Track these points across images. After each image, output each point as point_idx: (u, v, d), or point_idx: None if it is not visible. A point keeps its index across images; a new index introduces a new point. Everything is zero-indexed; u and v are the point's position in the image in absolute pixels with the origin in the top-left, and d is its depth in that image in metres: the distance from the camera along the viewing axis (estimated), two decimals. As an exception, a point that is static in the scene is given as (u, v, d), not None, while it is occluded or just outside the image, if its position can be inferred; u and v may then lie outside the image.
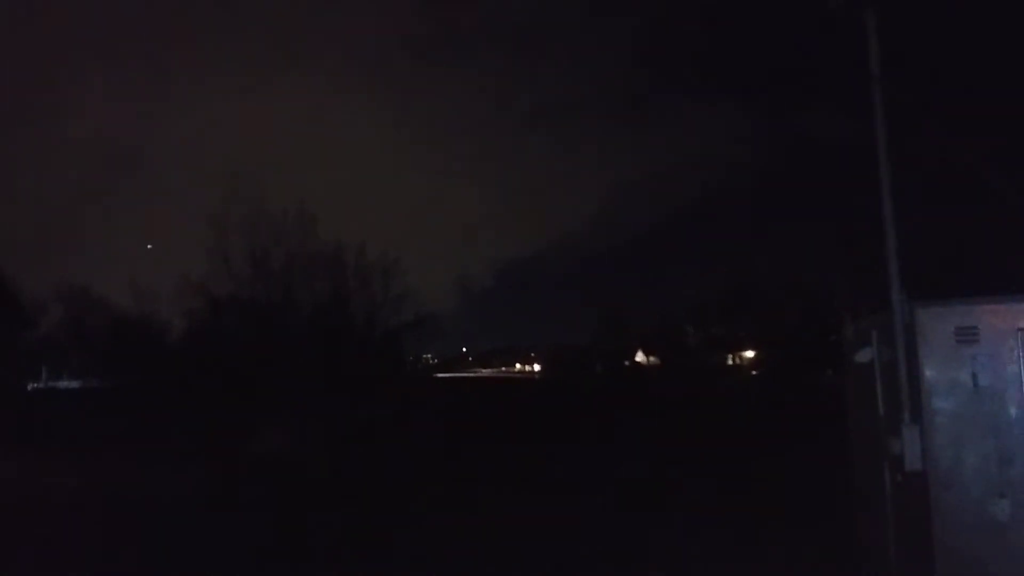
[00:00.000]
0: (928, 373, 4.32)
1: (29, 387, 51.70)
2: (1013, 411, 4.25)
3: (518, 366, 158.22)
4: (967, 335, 4.30)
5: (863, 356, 4.98)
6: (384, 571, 7.92)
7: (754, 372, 70.64)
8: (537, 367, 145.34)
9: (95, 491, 13.34)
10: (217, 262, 36.09)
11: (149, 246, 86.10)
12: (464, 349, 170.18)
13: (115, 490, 13.46)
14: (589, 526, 9.61)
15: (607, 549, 8.40)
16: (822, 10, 5.21)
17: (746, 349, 77.48)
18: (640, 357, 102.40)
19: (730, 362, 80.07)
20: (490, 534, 9.20)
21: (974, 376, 4.29)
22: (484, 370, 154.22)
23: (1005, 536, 4.19)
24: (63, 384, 54.53)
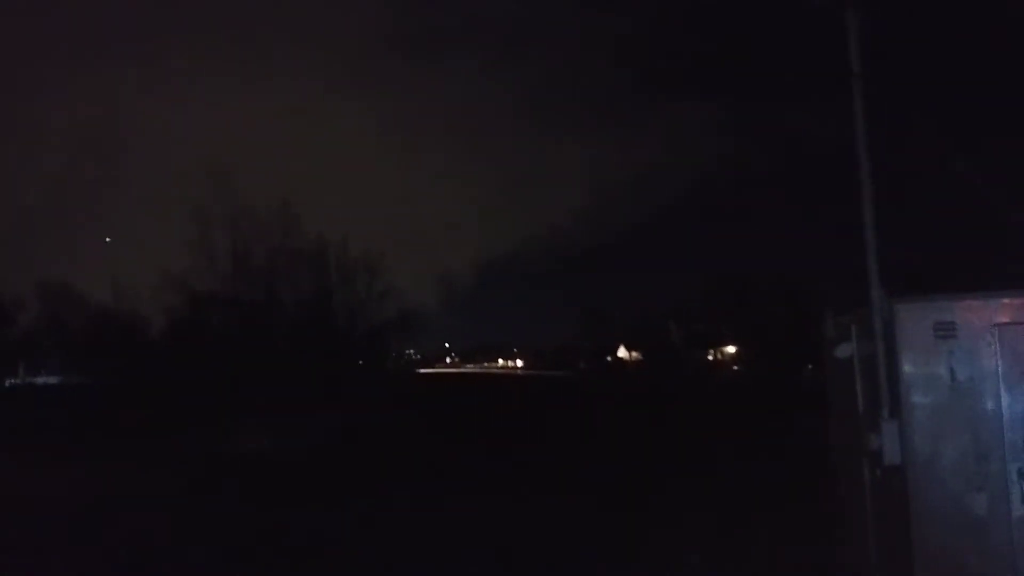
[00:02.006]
0: (907, 368, 4.36)
1: (7, 383, 51.25)
2: (990, 405, 4.29)
3: (500, 362, 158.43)
4: (945, 331, 4.34)
5: (843, 352, 5.01)
6: (371, 569, 7.89)
7: (735, 367, 71.05)
8: (520, 363, 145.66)
9: (73, 489, 13.23)
10: (199, 258, 35.94)
11: (108, 239, 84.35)
12: (447, 345, 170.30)
13: (94, 487, 13.35)
14: (579, 523, 9.60)
15: (597, 548, 8.38)
16: (805, 7, 5.24)
17: (727, 345, 77.88)
18: (623, 353, 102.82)
19: (711, 357, 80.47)
20: (478, 533, 9.19)
21: (952, 371, 4.33)
22: (468, 366, 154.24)
23: (983, 529, 4.23)
24: (41, 380, 54.03)
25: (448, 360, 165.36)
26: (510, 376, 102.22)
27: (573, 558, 7.99)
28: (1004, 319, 4.32)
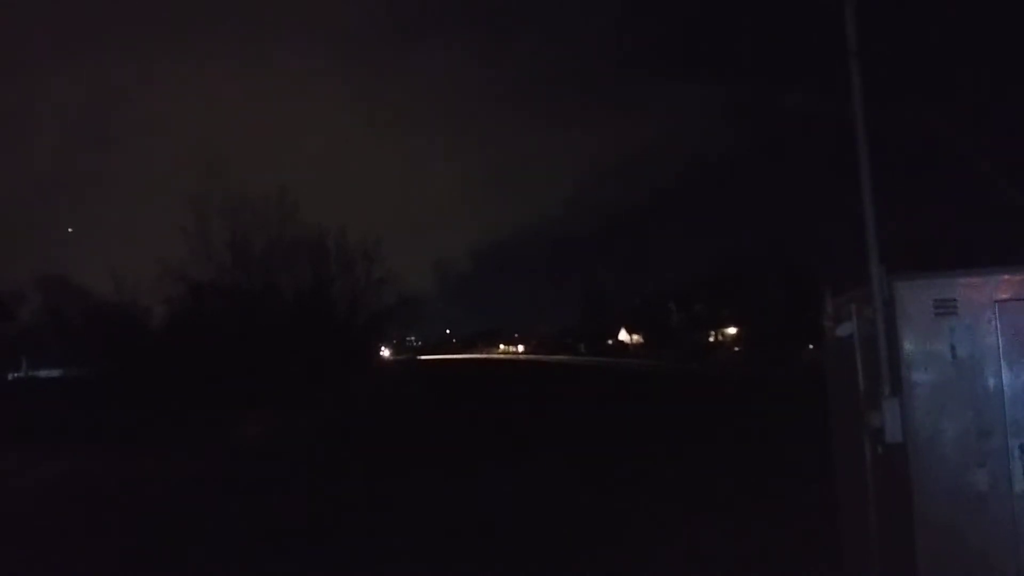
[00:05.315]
0: (907, 346, 4.34)
1: (9, 377, 51.30)
2: (991, 382, 4.29)
3: (502, 347, 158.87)
4: (945, 307, 4.32)
5: (843, 330, 5.00)
6: (363, 558, 7.91)
7: (736, 348, 71.19)
8: (521, 348, 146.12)
9: (79, 481, 13.27)
10: (197, 248, 35.82)
11: (70, 229, 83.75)
12: (448, 331, 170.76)
13: (99, 479, 13.39)
14: (571, 509, 9.64)
15: (587, 533, 8.40)
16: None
17: (728, 326, 77.99)
18: (624, 336, 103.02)
19: (712, 339, 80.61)
20: (473, 519, 9.21)
21: (952, 348, 4.31)
22: (470, 353, 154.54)
23: (984, 506, 4.23)
24: (44, 373, 54.07)
25: (450, 346, 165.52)
26: (511, 360, 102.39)
27: (564, 545, 8.01)
28: (1005, 295, 4.30)
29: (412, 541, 8.30)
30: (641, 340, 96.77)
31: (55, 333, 49.07)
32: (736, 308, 72.16)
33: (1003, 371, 4.28)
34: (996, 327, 4.29)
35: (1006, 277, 4.34)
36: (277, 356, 31.60)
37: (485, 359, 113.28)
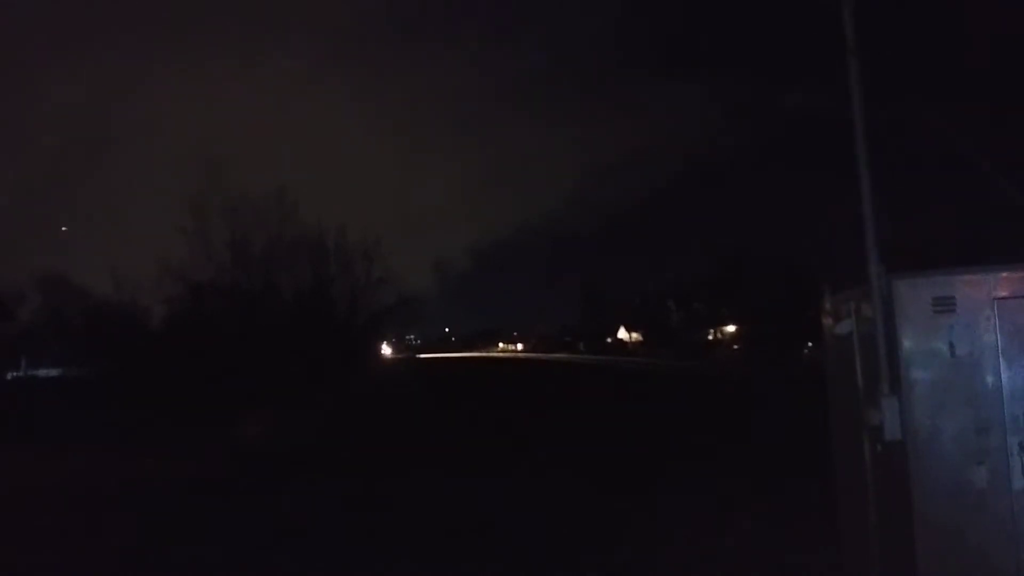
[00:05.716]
0: (906, 344, 4.36)
1: (8, 376, 51.31)
2: (990, 379, 4.30)
3: (501, 345, 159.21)
4: (944, 305, 4.34)
5: (842, 328, 5.01)
6: (363, 558, 7.91)
7: (735, 346, 71.24)
8: (520, 347, 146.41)
9: (79, 481, 13.27)
10: (197, 248, 35.79)
11: (64, 228, 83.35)
12: (448, 330, 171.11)
13: (99, 479, 13.39)
14: (570, 508, 9.64)
15: (587, 533, 8.40)
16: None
17: (727, 324, 78.07)
18: (623, 334, 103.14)
19: (711, 337, 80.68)
20: (473, 519, 9.21)
21: (951, 346, 4.33)
22: (469, 351, 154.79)
23: (983, 503, 4.25)
24: (43, 373, 54.03)
25: (449, 345, 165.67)
26: (511, 359, 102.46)
27: (561, 545, 8.00)
28: (1003, 293, 4.32)
29: (412, 541, 8.30)
30: (640, 338, 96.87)
31: (55, 333, 49.04)
32: (736, 307, 72.22)
33: (1002, 368, 4.30)
34: (995, 325, 4.30)
35: (1005, 275, 4.35)
36: (277, 356, 31.58)
37: (484, 357, 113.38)
